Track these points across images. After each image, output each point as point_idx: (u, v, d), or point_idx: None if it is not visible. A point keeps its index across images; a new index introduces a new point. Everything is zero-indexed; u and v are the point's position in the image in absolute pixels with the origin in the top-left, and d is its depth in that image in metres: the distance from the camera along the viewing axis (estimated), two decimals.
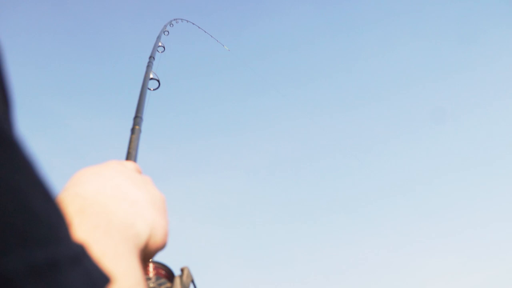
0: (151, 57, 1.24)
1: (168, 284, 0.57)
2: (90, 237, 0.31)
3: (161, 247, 0.43)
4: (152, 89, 1.28)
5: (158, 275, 0.57)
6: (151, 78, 1.22)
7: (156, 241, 0.41)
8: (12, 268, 0.18)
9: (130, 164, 0.53)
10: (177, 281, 0.57)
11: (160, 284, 0.56)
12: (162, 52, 1.55)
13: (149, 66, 1.18)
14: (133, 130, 0.88)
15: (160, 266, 0.58)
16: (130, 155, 0.81)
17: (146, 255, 0.41)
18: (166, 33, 1.77)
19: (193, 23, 3.16)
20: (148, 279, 0.55)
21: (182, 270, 0.57)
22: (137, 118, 0.92)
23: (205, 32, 3.65)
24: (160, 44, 1.47)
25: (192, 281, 0.57)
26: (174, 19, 2.14)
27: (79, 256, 0.23)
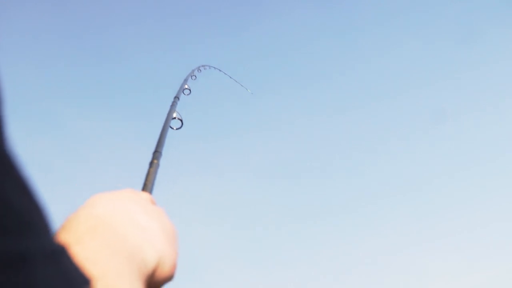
0: (176, 98, 1.31)
1: None
2: (97, 256, 0.32)
3: (169, 278, 0.43)
4: (175, 128, 1.34)
5: None
6: (174, 118, 1.28)
7: (164, 271, 0.41)
8: None
9: (145, 194, 0.55)
10: None
11: None
12: (188, 94, 1.63)
13: (173, 106, 1.24)
14: (151, 164, 0.92)
15: None
16: (146, 187, 0.84)
17: (153, 284, 0.41)
18: (193, 77, 1.87)
19: (219, 70, 3.32)
20: None
21: None
22: (156, 153, 0.96)
23: (230, 77, 3.82)
24: (186, 87, 1.55)
25: None
26: (202, 66, 2.26)
27: (56, 254, 0.23)
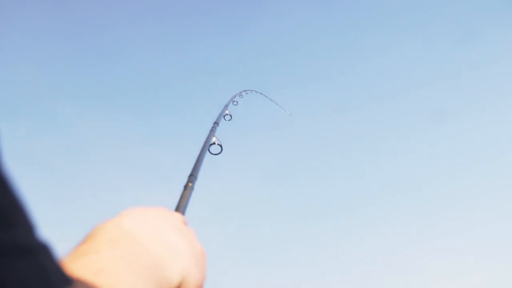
0: (215, 123, 1.35)
1: None
2: (112, 266, 0.31)
3: None
4: (214, 153, 1.38)
5: None
6: (213, 143, 1.33)
7: None
8: None
9: (177, 214, 0.54)
10: None
11: None
12: (229, 120, 1.68)
13: (212, 131, 1.28)
14: (186, 187, 0.96)
15: None
16: (179, 208, 0.87)
17: None
18: (235, 103, 1.93)
19: (261, 93, 3.38)
20: None
21: None
22: (192, 176, 1.00)
23: (271, 100, 3.88)
24: (227, 112, 1.60)
25: None
26: (244, 90, 2.33)
27: (35, 250, 0.22)
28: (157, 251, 0.38)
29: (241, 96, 2.20)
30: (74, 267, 0.29)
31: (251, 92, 3.16)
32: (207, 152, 1.26)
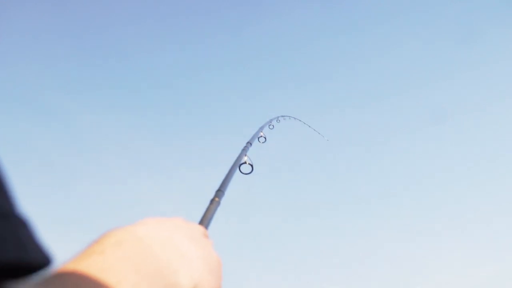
0: (248, 143, 1.37)
1: None
2: (115, 265, 0.31)
3: None
4: (244, 172, 1.40)
5: None
6: (244, 163, 1.34)
7: None
8: None
9: (197, 226, 0.53)
10: None
11: None
12: (263, 142, 1.70)
13: (244, 150, 1.30)
14: (212, 201, 0.97)
15: None
16: (203, 221, 0.89)
17: None
18: (271, 126, 1.95)
19: (299, 120, 3.40)
20: None
21: None
22: (219, 192, 1.01)
23: (309, 126, 3.89)
24: (261, 134, 1.62)
25: None
26: (282, 116, 2.35)
27: (12, 217, 0.23)
28: (165, 255, 0.38)
29: (278, 121, 2.23)
30: (76, 267, 0.29)
31: (289, 119, 3.19)
32: (238, 170, 1.28)
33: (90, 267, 0.30)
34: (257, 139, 1.58)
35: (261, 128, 1.64)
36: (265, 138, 1.64)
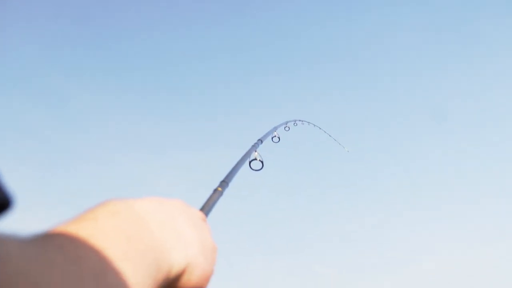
0: (259, 140, 1.39)
1: None
2: (107, 232, 0.31)
3: None
4: (254, 169, 1.41)
5: None
6: (255, 159, 1.36)
7: (190, 279, 0.40)
8: None
9: (197, 210, 0.53)
10: None
11: None
12: (276, 142, 1.71)
13: (254, 146, 1.31)
14: (215, 190, 0.99)
15: None
16: (204, 209, 0.90)
17: None
18: (287, 128, 1.96)
19: (320, 128, 3.38)
20: None
21: None
22: (223, 183, 1.03)
23: (329, 136, 3.87)
24: (275, 134, 1.63)
25: None
26: (300, 120, 2.35)
27: None
28: (160, 231, 0.38)
29: (295, 124, 2.23)
30: (66, 230, 0.29)
31: (308, 124, 3.18)
32: (247, 165, 1.29)
33: (80, 230, 0.29)
34: (270, 138, 1.58)
35: (275, 128, 1.65)
36: (279, 138, 1.65)
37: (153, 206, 0.40)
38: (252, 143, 1.33)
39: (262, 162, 1.37)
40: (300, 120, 2.37)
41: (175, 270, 0.37)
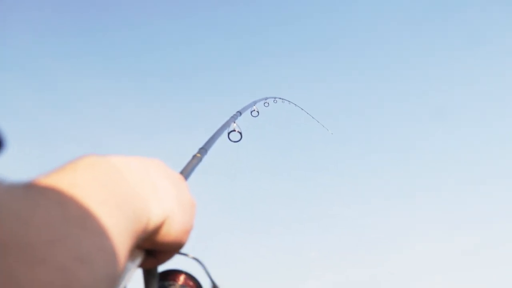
0: (239, 112, 1.42)
1: None
2: (87, 182, 0.31)
3: (176, 242, 0.42)
4: (233, 140, 1.45)
5: (185, 285, 0.59)
6: (233, 130, 1.39)
7: (169, 232, 0.41)
8: None
9: (176, 172, 0.52)
10: None
11: None
12: (255, 116, 1.75)
13: (233, 117, 1.34)
14: (194, 156, 1.03)
15: (190, 278, 0.60)
16: (183, 173, 0.95)
17: (158, 244, 0.41)
18: (266, 104, 1.99)
19: (301, 108, 3.42)
20: (173, 285, 0.59)
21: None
22: (202, 149, 1.07)
23: (312, 117, 3.91)
24: (254, 108, 1.67)
25: None
26: (280, 98, 2.39)
27: None
28: (138, 183, 0.38)
29: (275, 101, 2.26)
30: (46, 180, 0.29)
31: (289, 104, 3.22)
32: (226, 136, 1.33)
33: (60, 181, 0.29)
34: (250, 112, 1.62)
35: (254, 102, 1.68)
36: (258, 112, 1.68)
37: (130, 160, 0.41)
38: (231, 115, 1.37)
39: (240, 133, 1.41)
40: (280, 98, 2.40)
41: (153, 222, 0.38)
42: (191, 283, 0.61)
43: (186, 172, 0.97)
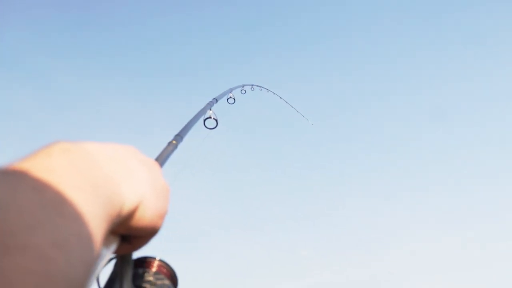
0: (215, 99, 1.42)
1: (166, 282, 0.60)
2: (62, 167, 0.31)
3: (151, 227, 0.42)
4: (209, 127, 1.45)
5: (159, 272, 0.60)
6: (209, 117, 1.39)
7: (144, 217, 0.41)
8: None
9: (151, 159, 0.52)
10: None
11: (157, 279, 0.59)
12: (231, 104, 1.75)
13: (209, 104, 1.34)
14: (169, 143, 1.03)
15: (164, 265, 0.62)
16: (158, 159, 0.94)
17: (132, 229, 0.41)
18: (243, 91, 1.99)
19: (280, 97, 3.44)
20: (147, 272, 0.59)
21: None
22: (178, 136, 1.07)
23: (292, 107, 3.93)
24: (231, 95, 1.67)
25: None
26: (258, 85, 2.39)
27: None
28: (111, 167, 0.38)
29: (252, 88, 2.27)
30: (21, 165, 0.29)
31: (267, 91, 3.22)
32: (202, 123, 1.33)
33: (36, 166, 0.30)
34: (226, 99, 1.62)
35: (231, 89, 1.68)
36: (234, 99, 1.68)
37: (104, 146, 0.41)
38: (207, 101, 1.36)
39: (216, 120, 1.41)
40: (257, 86, 2.41)
41: (127, 206, 0.38)
42: (165, 270, 0.62)
43: (161, 159, 0.96)
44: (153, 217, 0.42)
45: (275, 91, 3.40)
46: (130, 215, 0.39)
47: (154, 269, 0.61)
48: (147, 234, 0.43)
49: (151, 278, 0.59)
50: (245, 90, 2.00)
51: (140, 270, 0.59)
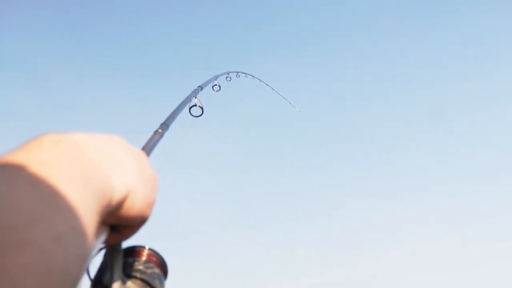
0: (200, 87, 1.41)
1: (156, 270, 0.60)
2: (53, 159, 0.31)
3: (140, 216, 0.43)
4: (194, 115, 1.44)
5: (149, 260, 0.60)
6: (195, 105, 1.38)
7: (133, 206, 0.41)
8: None
9: (138, 149, 0.52)
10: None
11: (147, 268, 0.59)
12: (217, 91, 1.74)
13: (194, 92, 1.33)
14: (156, 132, 1.02)
15: (153, 254, 0.61)
16: (144, 148, 0.94)
17: (122, 219, 0.41)
18: (228, 78, 1.98)
19: (266, 84, 3.42)
20: (137, 261, 0.59)
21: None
22: (164, 125, 1.06)
23: (278, 94, 3.92)
24: (216, 83, 1.65)
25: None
26: (243, 72, 2.37)
27: None
28: (99, 158, 0.38)
29: (238, 76, 2.25)
30: (13, 158, 0.29)
31: (253, 78, 3.20)
32: (187, 111, 1.32)
33: (28, 158, 0.30)
34: (211, 86, 1.61)
35: (216, 76, 1.66)
36: (219, 87, 1.67)
37: (91, 137, 0.41)
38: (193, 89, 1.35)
39: (202, 108, 1.40)
40: (243, 72, 2.39)
41: (116, 196, 0.38)
42: (154, 258, 0.62)
43: (148, 148, 0.96)
44: (142, 206, 0.42)
45: (261, 78, 3.39)
46: (120, 205, 0.39)
47: (144, 258, 0.61)
48: (136, 223, 0.43)
49: (141, 267, 0.59)
50: (230, 77, 1.98)
51: (130, 259, 0.59)
